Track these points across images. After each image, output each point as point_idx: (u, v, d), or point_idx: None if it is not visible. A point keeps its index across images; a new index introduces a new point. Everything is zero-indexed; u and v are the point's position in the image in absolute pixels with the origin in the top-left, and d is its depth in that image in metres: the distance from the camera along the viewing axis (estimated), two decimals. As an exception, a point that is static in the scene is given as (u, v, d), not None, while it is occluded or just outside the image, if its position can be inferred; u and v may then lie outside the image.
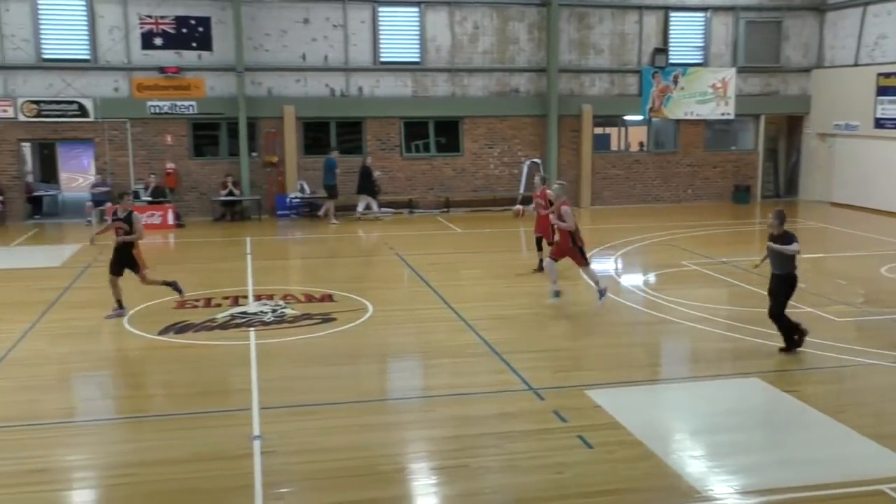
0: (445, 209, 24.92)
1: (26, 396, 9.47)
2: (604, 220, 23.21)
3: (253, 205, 24.16)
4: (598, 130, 27.60)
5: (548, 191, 15.06)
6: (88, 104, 22.98)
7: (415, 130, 25.57)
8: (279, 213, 24.12)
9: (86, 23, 22.93)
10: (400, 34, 24.95)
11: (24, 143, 23.89)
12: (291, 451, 7.89)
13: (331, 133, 24.90)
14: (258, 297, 13.94)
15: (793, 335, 10.62)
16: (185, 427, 8.52)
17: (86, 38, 23.01)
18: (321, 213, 23.70)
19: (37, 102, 22.75)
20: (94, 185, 23.80)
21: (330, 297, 13.96)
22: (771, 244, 10.40)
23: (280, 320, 12.55)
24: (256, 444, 7.96)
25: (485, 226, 22.46)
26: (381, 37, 24.73)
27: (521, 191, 25.65)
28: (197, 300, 13.74)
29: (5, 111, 22.61)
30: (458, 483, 7.29)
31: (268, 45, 23.99)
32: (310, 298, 13.93)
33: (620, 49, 26.19)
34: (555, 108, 25.40)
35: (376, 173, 23.85)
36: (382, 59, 24.83)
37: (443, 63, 25.08)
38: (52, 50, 22.97)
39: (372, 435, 8.27)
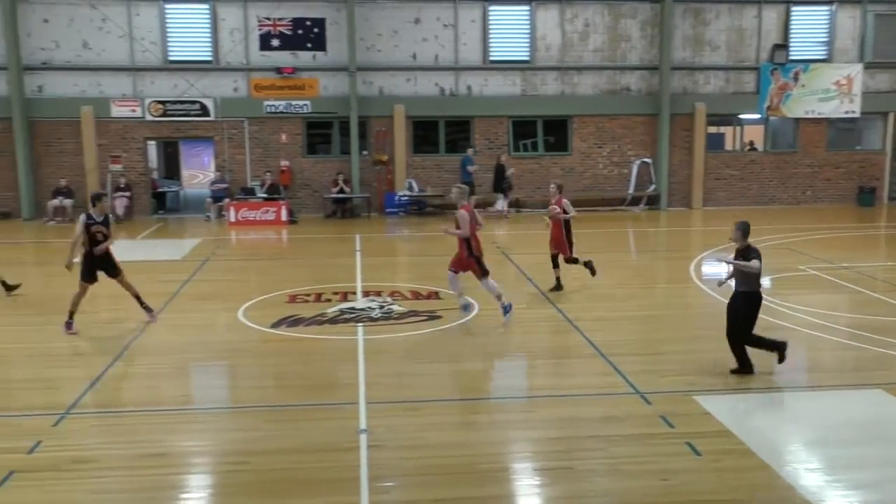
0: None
1: (148, 383, 9.94)
2: (716, 222, 22.54)
3: (363, 202, 24.62)
4: (712, 129, 26.83)
5: (564, 200, 14.23)
6: (209, 104, 23.94)
7: (523, 129, 25.50)
8: (388, 210, 24.49)
9: (209, 26, 23.88)
10: (510, 33, 24.94)
11: (149, 142, 25.07)
12: (396, 445, 8.00)
13: (440, 132, 25.13)
14: (366, 294, 14.19)
15: (746, 360, 9.82)
16: (294, 418, 8.76)
17: (208, 40, 23.96)
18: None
19: (162, 102, 23.85)
20: (214, 182, 24.79)
21: (436, 295, 14.07)
22: (733, 260, 9.78)
23: (387, 317, 12.74)
24: (363, 438, 8.10)
25: (592, 226, 22.19)
26: (491, 36, 24.77)
27: (631, 191, 25.22)
28: (308, 295, 14.09)
29: (134, 111, 23.80)
30: (562, 485, 7.23)
31: (380, 46, 24.39)
32: (416, 296, 14.09)
33: (737, 45, 25.39)
34: (667, 107, 24.86)
35: (509, 171, 23.82)
36: (492, 58, 24.87)
37: (552, 61, 24.92)
38: (177, 52, 24.03)
39: (475, 433, 8.29)
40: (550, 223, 14.40)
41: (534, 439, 8.22)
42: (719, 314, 12.68)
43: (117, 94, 23.80)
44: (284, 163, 24.45)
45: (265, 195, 23.49)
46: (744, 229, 9.76)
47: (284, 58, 24.13)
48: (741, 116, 26.24)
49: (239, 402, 9.60)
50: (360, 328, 12.09)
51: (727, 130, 27.57)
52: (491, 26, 24.74)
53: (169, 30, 23.90)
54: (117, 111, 23.78)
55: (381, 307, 13.23)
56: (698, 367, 10.35)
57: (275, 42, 24.03)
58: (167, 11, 23.79)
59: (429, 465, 7.58)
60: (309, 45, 24.17)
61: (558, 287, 14.26)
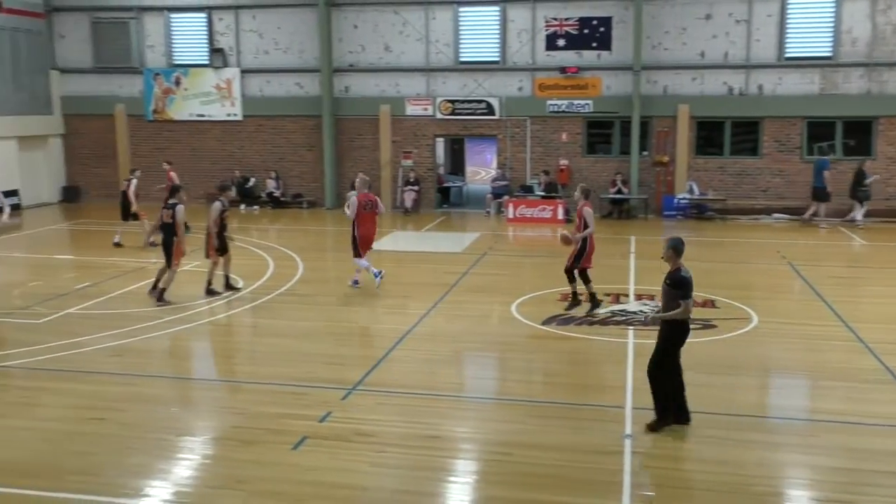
0: (850, 219, 22.68)
1: (425, 368, 10.55)
2: None
3: (640, 204, 24.21)
4: None
5: (587, 208, 13.07)
6: (495, 103, 24.76)
7: (819, 131, 23.64)
8: (666, 213, 23.87)
9: (498, 27, 24.69)
10: (810, 27, 23.21)
11: (438, 139, 26.46)
12: (662, 455, 7.83)
13: (725, 133, 24.03)
14: (639, 297, 13.98)
15: (665, 403, 8.29)
16: (558, 416, 8.86)
17: (497, 41, 24.77)
18: (806, 216, 22.45)
19: (452, 101, 25.06)
20: (495, 179, 25.62)
21: (712, 303, 13.52)
22: (655, 315, 8.47)
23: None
24: (627, 444, 8.02)
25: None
26: (789, 31, 23.22)
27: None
28: (580, 294, 14.14)
29: (426, 109, 25.25)
30: (843, 520, 6.68)
31: (666, 44, 23.81)
32: (691, 302, 13.63)
33: None
34: None
35: (871, 178, 22.01)
36: (788, 55, 23.31)
37: (859, 57, 22.85)
38: (468, 53, 25.12)
39: (747, 452, 7.89)
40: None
41: (814, 466, 7.66)
42: None
43: (412, 94, 25.36)
44: (563, 162, 24.69)
45: (543, 193, 23.88)
46: (675, 246, 8.30)
47: (569, 57, 24.33)
48: None
49: (506, 395, 9.89)
50: (630, 331, 11.94)
51: None
52: (789, 21, 23.19)
53: (461, 32, 25.04)
54: (411, 110, 25.35)
55: (654, 311, 12.94)
56: None
57: (560, 42, 24.30)
58: (461, 14, 24.93)
59: (695, 479, 7.35)
60: (594, 44, 24.17)
61: (593, 303, 13.14)
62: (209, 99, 26.42)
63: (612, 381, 9.96)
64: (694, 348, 11.17)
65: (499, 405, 9.47)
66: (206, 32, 26.27)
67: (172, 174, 20.02)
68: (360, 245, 14.49)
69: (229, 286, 14.24)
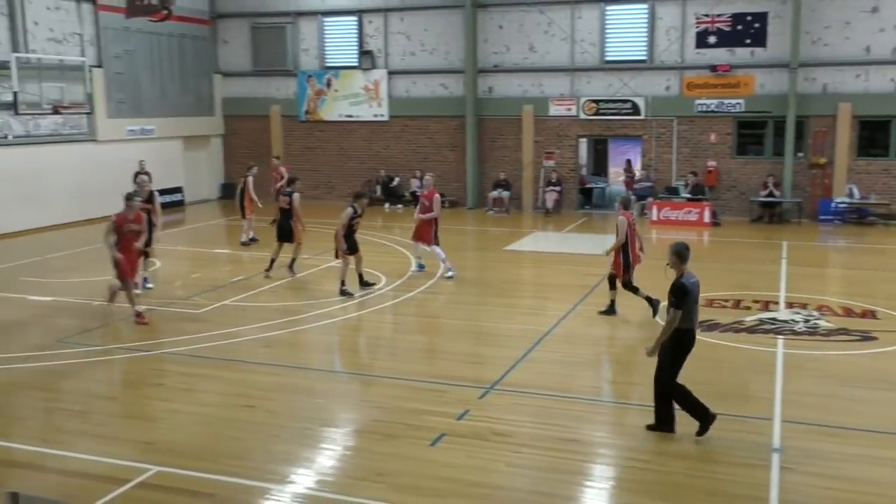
0: None
1: (563, 370, 10.49)
2: None
3: (793, 207, 23.11)
4: None
5: (620, 217, 12.65)
6: (640, 103, 24.28)
7: None
8: (821, 217, 22.68)
9: (646, 25, 24.19)
10: None
11: (581, 139, 26.20)
12: (813, 472, 7.47)
13: (891, 133, 22.58)
14: (790, 305, 13.37)
15: (668, 413, 8.11)
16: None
17: (644, 39, 24.28)
18: None
19: (596, 101, 24.76)
20: (638, 181, 25.11)
21: (872, 314, 12.76)
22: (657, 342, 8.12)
23: (812, 332, 11.88)
24: (775, 458, 7.71)
25: None
26: (967, 23, 21.57)
27: None
28: (726, 300, 13.69)
29: (569, 109, 25.06)
30: None
31: (827, 39, 22.61)
32: (848, 312, 12.92)
33: None
34: None
35: None
36: (965, 50, 21.66)
37: None
38: (613, 52, 24.75)
39: (907, 474, 7.41)
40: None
41: (982, 494, 7.11)
42: None
43: (555, 94, 25.24)
44: (711, 163, 23.90)
45: (689, 195, 23.20)
46: (677, 252, 8.05)
47: (720, 55, 23.53)
48: None
49: (646, 401, 9.67)
50: (780, 341, 11.45)
51: None
52: (967, 13, 21.55)
53: (607, 31, 24.69)
54: (554, 110, 25.23)
55: (806, 321, 12.37)
56: None
57: (711, 39, 23.52)
58: (607, 13, 24.58)
59: (851, 499, 6.96)
60: (747, 40, 23.24)
61: (611, 310, 12.76)
62: (358, 100, 27.24)
63: (759, 391, 9.59)
64: (852, 361, 10.61)
65: (638, 411, 9.29)
66: (356, 35, 27.10)
67: (282, 169, 21.46)
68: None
69: (364, 284, 14.61)
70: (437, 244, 15.75)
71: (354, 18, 27.04)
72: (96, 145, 23.58)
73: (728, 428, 8.49)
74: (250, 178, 19.67)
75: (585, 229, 22.68)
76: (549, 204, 24.88)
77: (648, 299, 12.64)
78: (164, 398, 9.50)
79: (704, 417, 8.15)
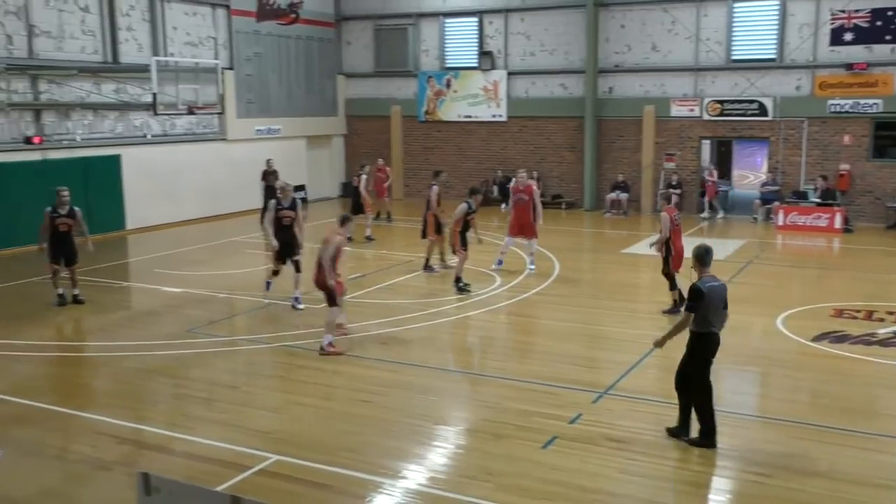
0: None
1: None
2: None
3: (935, 214, 21.78)
4: None
5: (663, 213, 13.06)
6: (768, 103, 23.40)
7: None
8: (967, 225, 21.27)
9: (776, 23, 23.30)
10: None
11: (704, 141, 25.48)
12: (946, 496, 7.05)
13: None
14: (928, 318, 12.62)
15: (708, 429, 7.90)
16: (824, 440, 8.26)
17: (774, 37, 23.38)
18: None
19: (720, 102, 24.03)
20: (764, 184, 24.23)
21: None
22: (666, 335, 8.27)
23: (951, 347, 11.18)
24: (906, 479, 7.31)
25: None
26: None
27: None
28: (857, 311, 13.06)
29: (692, 110, 24.42)
30: None
31: (976, 35, 21.18)
32: None
33: None
34: None
35: None
36: None
37: None
38: (740, 51, 23.95)
39: None
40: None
41: None
42: None
43: (678, 94, 24.64)
44: (844, 166, 22.77)
45: (818, 200, 22.19)
46: (696, 255, 8.08)
47: (857, 52, 22.39)
48: None
49: (767, 413, 9.37)
50: (915, 356, 10.83)
51: None
52: None
53: (735, 29, 23.91)
54: (676, 110, 24.63)
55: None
56: None
57: (847, 36, 22.41)
58: (735, 10, 23.80)
59: None
60: (887, 37, 22.02)
61: (675, 309, 12.61)
62: (476, 100, 27.39)
63: (888, 408, 9.10)
64: None
65: (759, 423, 9.00)
66: (476, 36, 27.24)
67: (388, 168, 23.14)
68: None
69: (460, 286, 14.51)
70: (533, 237, 16.20)
71: (475, 19, 27.18)
72: (226, 144, 24.62)
73: (856, 445, 8.12)
74: (363, 177, 20.22)
75: (707, 233, 22.05)
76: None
77: (675, 301, 12.82)
78: (283, 389, 9.84)
79: (708, 434, 7.99)
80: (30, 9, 19.01)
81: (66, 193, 13.57)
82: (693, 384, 8.05)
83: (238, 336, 12.23)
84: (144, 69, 19.16)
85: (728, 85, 24.05)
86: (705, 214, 24.18)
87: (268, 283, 13.87)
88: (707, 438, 8.00)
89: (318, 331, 11.91)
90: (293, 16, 26.68)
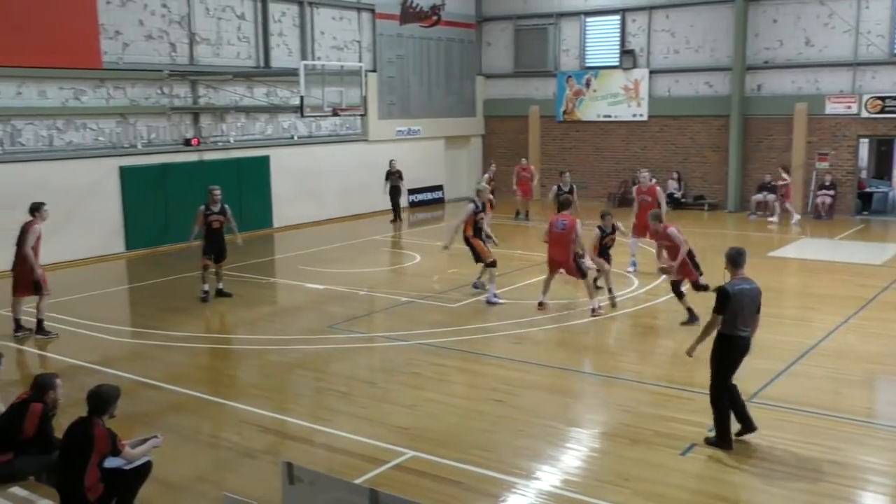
0: None
1: (831, 387, 9.73)
2: None
3: None
4: None
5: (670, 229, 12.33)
6: (935, 99, 21.84)
7: None
8: None
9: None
10: None
11: (861, 139, 24.05)
12: None
13: None
14: None
15: (725, 428, 7.83)
16: None
17: (941, 28, 21.81)
18: None
19: (882, 98, 22.63)
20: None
21: None
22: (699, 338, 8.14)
23: None
24: None
25: None
26: None
27: None
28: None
29: (849, 108, 23.12)
30: None
31: None
32: None
33: None
34: None
35: None
36: None
37: None
38: (903, 44, 22.49)
39: None
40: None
41: None
42: None
43: (833, 91, 23.37)
44: None
45: None
46: (729, 256, 7.96)
47: None
48: None
49: (929, 430, 8.75)
50: None
51: None
52: None
53: (898, 21, 22.49)
54: (831, 108, 23.36)
55: None
56: None
57: None
58: (898, 2, 22.39)
59: None
60: None
61: (692, 319, 11.84)
62: (616, 100, 26.92)
63: None
64: None
65: (916, 440, 8.42)
66: (618, 34, 26.78)
67: (531, 167, 23.85)
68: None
69: (612, 298, 13.68)
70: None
71: (617, 17, 26.72)
72: (367, 145, 25.25)
73: None
74: (485, 176, 20.61)
75: (862, 237, 20.82)
76: (822, 209, 23.09)
77: (688, 310, 12.15)
78: (418, 386, 10.00)
79: (723, 435, 7.92)
80: (192, 18, 20.16)
81: (217, 192, 14.32)
82: (714, 386, 8.00)
83: (376, 333, 12.53)
84: (293, 73, 19.90)
85: (891, 81, 22.60)
86: (774, 219, 22.68)
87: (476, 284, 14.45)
88: (722, 439, 7.92)
89: (453, 329, 12.06)
90: (435, 18, 27.08)
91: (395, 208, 23.70)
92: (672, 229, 12.29)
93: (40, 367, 10.87)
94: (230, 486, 7.13)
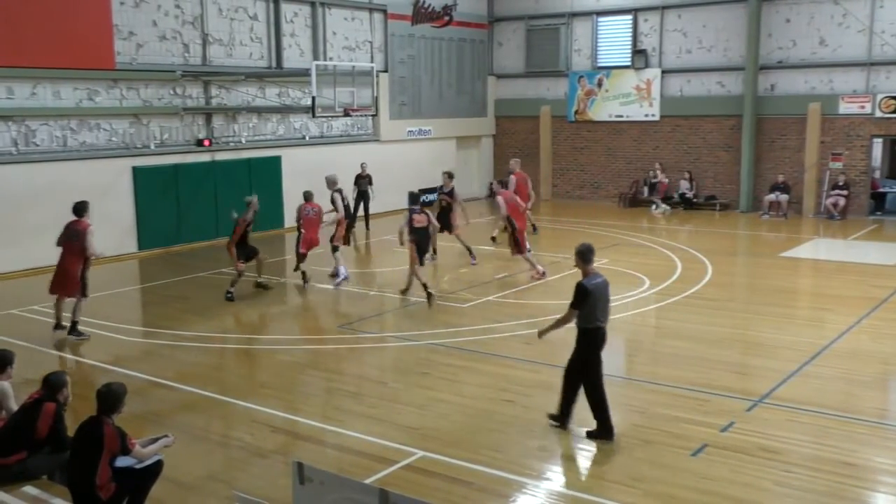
0: None
1: (843, 388, 9.68)
2: None
3: None
4: None
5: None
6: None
7: None
8: None
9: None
10: None
11: (875, 139, 23.91)
12: None
13: None
14: None
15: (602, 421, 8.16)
16: None
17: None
18: None
19: (895, 98, 22.47)
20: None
21: None
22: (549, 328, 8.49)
23: None
24: None
25: None
26: None
27: None
28: None
29: (862, 107, 22.97)
30: None
31: None
32: None
33: None
34: None
35: None
36: None
37: None
38: (917, 43, 22.32)
39: None
40: None
41: None
42: None
43: (847, 90, 23.24)
44: None
45: None
46: (578, 252, 8.17)
47: None
48: None
49: (943, 431, 8.69)
50: None
51: None
52: None
53: (912, 19, 22.33)
54: (845, 108, 23.22)
55: None
56: None
57: None
58: (912, 0, 22.23)
59: None
60: None
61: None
62: (628, 100, 26.84)
63: None
64: None
65: (931, 441, 8.36)
66: (630, 34, 26.70)
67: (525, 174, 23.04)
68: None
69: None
70: None
71: (629, 17, 26.64)
72: (378, 145, 25.26)
73: None
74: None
75: (876, 237, 20.69)
76: (835, 209, 22.98)
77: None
78: (429, 386, 10.00)
79: (604, 426, 8.17)
80: (205, 18, 20.23)
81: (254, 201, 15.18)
82: (585, 379, 8.23)
83: (386, 333, 12.54)
84: (305, 73, 19.93)
85: (903, 79, 22.47)
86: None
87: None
88: (603, 431, 8.18)
89: (464, 329, 12.07)
90: (447, 18, 27.08)
91: (366, 215, 22.17)
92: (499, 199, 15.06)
93: (58, 366, 10.93)
94: (241, 485, 7.15)
